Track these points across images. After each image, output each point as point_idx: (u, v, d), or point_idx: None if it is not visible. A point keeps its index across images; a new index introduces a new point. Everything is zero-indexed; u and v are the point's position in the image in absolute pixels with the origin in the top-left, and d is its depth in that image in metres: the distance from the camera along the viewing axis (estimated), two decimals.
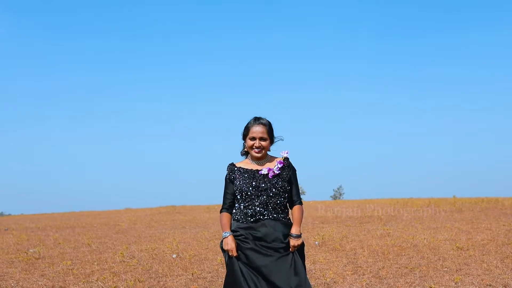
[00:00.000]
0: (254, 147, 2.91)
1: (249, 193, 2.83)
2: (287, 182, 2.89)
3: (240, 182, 2.88)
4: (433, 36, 43.47)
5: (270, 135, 2.94)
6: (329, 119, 43.96)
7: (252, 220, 2.82)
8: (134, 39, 43.44)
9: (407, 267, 5.67)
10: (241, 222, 2.85)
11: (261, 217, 2.81)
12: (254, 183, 2.84)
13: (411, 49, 43.47)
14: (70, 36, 42.60)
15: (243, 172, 2.92)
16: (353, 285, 4.91)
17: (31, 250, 8.31)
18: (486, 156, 44.43)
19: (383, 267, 5.77)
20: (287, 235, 2.83)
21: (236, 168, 2.96)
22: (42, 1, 42.50)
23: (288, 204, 2.98)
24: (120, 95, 44.19)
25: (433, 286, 4.75)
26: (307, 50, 44.56)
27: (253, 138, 2.90)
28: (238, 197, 2.88)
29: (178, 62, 44.12)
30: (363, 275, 5.38)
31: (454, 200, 19.11)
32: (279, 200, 2.86)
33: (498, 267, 5.53)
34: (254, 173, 2.90)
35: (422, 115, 45.27)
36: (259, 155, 2.91)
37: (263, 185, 2.84)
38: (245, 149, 3.04)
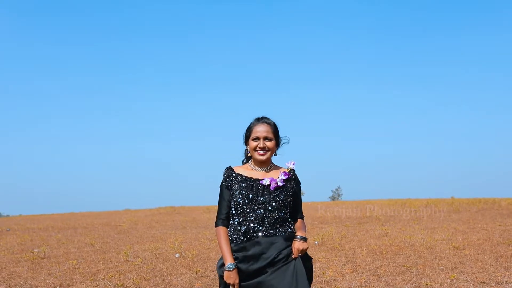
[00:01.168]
0: (257, 148, 2.51)
1: (244, 206, 2.44)
2: (290, 196, 2.51)
3: (236, 192, 2.48)
4: (432, 36, 43.75)
5: (275, 136, 2.56)
6: (328, 120, 44.23)
7: (245, 239, 2.42)
8: (134, 39, 43.66)
9: (404, 266, 5.84)
10: (235, 242, 2.44)
11: (254, 234, 2.41)
12: (250, 195, 2.45)
13: (411, 49, 43.77)
14: (70, 36, 42.85)
15: (241, 180, 2.51)
16: (352, 283, 5.07)
17: (36, 250, 8.45)
18: (485, 157, 44.73)
19: (381, 265, 5.94)
20: (288, 246, 2.44)
21: (234, 174, 2.55)
22: (42, 1, 42.68)
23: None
24: (120, 95, 44.38)
25: (429, 283, 4.91)
26: (306, 50, 44.81)
27: (257, 138, 2.51)
28: (233, 210, 2.48)
29: (178, 62, 44.34)
30: (362, 273, 5.55)
31: (452, 200, 19.31)
32: (278, 215, 2.45)
33: (493, 265, 5.71)
34: (253, 183, 2.49)
35: (421, 116, 45.56)
36: (263, 157, 2.51)
37: (261, 198, 2.45)
38: (248, 155, 2.65)
